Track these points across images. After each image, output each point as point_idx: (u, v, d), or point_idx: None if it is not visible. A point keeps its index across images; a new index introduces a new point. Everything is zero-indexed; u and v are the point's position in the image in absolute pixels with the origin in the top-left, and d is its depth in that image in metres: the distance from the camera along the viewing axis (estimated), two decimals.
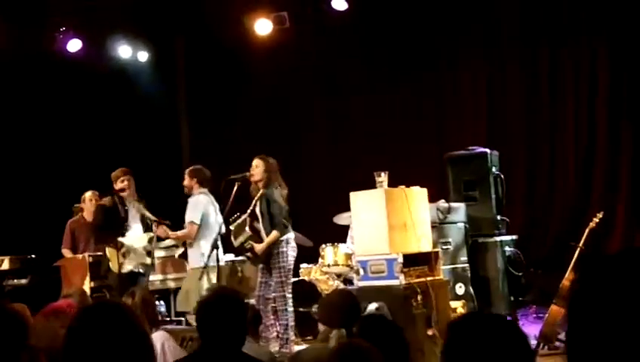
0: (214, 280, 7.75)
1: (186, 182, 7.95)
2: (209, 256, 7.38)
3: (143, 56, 11.98)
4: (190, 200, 7.85)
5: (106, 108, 11.71)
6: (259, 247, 7.22)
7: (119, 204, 7.85)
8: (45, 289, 7.79)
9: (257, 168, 7.37)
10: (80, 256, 8.41)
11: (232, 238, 7.32)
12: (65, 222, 8.77)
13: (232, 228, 7.30)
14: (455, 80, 10.97)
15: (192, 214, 7.76)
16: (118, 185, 7.85)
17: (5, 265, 8.34)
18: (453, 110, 10.98)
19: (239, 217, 7.33)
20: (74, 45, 10.86)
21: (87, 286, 8.01)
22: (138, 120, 12.00)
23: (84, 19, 10.65)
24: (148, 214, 7.79)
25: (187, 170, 8.05)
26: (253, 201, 7.41)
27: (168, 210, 8.31)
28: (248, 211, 7.40)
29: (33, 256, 8.66)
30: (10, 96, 10.75)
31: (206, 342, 3.29)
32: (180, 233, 7.91)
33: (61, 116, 11.27)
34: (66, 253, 8.60)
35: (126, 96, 11.93)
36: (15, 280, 8.37)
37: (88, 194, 8.63)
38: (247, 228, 7.27)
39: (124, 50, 11.68)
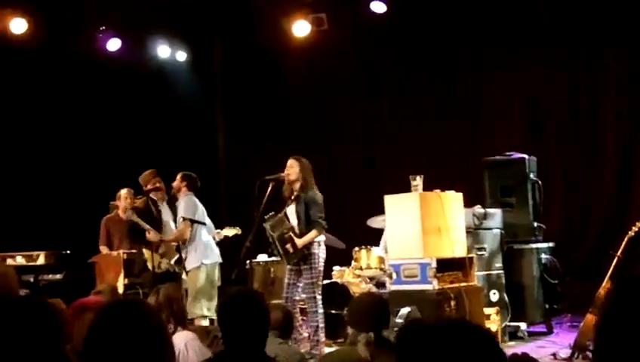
0: (217, 276, 7.80)
1: (176, 183, 7.98)
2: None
3: (182, 56, 12.07)
4: (183, 199, 7.87)
5: (143, 108, 11.80)
6: (299, 241, 7.17)
7: (152, 205, 7.91)
8: (79, 284, 7.85)
9: (292, 168, 7.35)
10: (114, 253, 8.48)
11: (270, 232, 7.26)
12: (100, 218, 8.86)
13: (266, 225, 7.28)
14: (493, 82, 10.86)
15: (187, 211, 7.77)
16: (149, 187, 7.92)
17: (41, 260, 8.44)
18: (490, 114, 10.86)
19: (275, 216, 7.32)
20: (113, 44, 10.96)
21: (120, 283, 8.08)
22: (175, 120, 12.09)
23: (124, 18, 10.74)
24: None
25: (181, 173, 8.05)
26: (289, 202, 7.39)
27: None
28: (283, 211, 7.38)
29: (68, 251, 8.75)
30: (50, 95, 10.89)
31: (228, 343, 3.26)
32: (172, 235, 7.92)
33: (99, 114, 11.39)
34: (103, 249, 8.68)
35: (164, 96, 12.02)
36: (50, 275, 8.47)
37: (123, 192, 8.70)
38: (287, 222, 7.24)
39: (162, 50, 11.78)
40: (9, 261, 8.18)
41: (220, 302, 3.51)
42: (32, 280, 8.32)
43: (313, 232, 7.18)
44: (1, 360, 2.11)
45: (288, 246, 7.19)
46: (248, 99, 12.61)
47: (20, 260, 8.38)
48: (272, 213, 7.34)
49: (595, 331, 1.85)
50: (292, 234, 7.17)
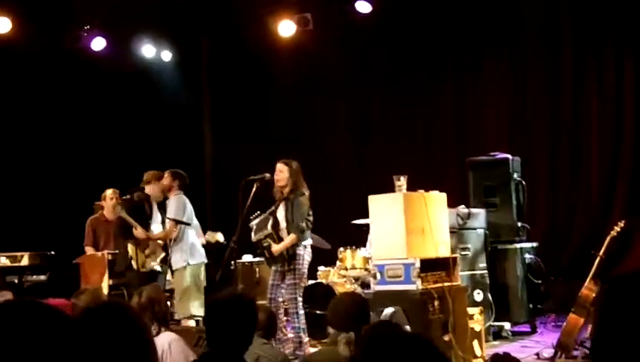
0: (202, 276, 7.81)
1: (166, 181, 7.94)
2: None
3: (167, 56, 12.05)
4: (173, 198, 7.86)
5: (128, 108, 11.77)
6: (276, 247, 7.20)
7: (146, 201, 7.92)
8: (64, 285, 7.83)
9: (282, 173, 7.35)
10: (99, 253, 8.46)
11: (252, 234, 7.31)
12: (85, 219, 8.83)
13: (252, 225, 7.30)
14: (477, 83, 10.90)
15: (177, 212, 7.77)
16: (143, 185, 7.94)
17: (25, 261, 8.40)
18: (475, 114, 10.91)
19: (259, 216, 7.33)
20: (98, 44, 10.93)
21: (105, 283, 8.06)
22: (160, 120, 12.06)
23: (109, 17, 10.71)
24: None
25: (170, 171, 8.02)
26: (276, 204, 7.39)
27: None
28: (269, 211, 7.39)
29: (52, 252, 8.72)
30: (33, 93, 10.84)
31: (212, 344, 3.26)
32: (159, 233, 7.92)
33: (84, 114, 11.35)
34: (89, 250, 8.66)
35: (149, 96, 11.99)
36: (34, 276, 8.43)
37: (109, 193, 8.68)
38: (268, 226, 7.26)
39: (147, 50, 11.76)
40: None
41: (209, 303, 3.50)
42: (16, 281, 8.28)
43: (290, 238, 7.21)
44: None
45: (265, 252, 7.25)
46: (235, 99, 12.61)
47: (4, 261, 8.34)
48: (258, 212, 7.35)
49: (593, 331, 1.88)
50: (269, 240, 7.21)
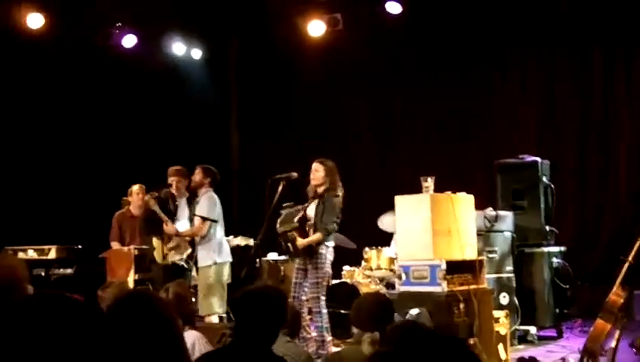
0: (227, 274, 7.81)
1: (198, 177, 7.94)
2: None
3: (197, 54, 12.09)
4: (205, 196, 7.86)
5: (157, 105, 11.83)
6: (300, 242, 7.17)
7: (171, 200, 7.95)
8: (90, 279, 7.87)
9: (317, 173, 7.32)
10: (126, 248, 8.51)
11: (277, 225, 7.28)
12: (112, 214, 8.88)
13: (282, 212, 7.28)
14: (506, 84, 10.82)
15: (208, 211, 7.77)
16: (170, 183, 7.98)
17: (52, 254, 8.45)
18: (503, 116, 10.82)
19: (292, 207, 7.31)
20: (129, 41, 11.00)
21: (131, 278, 8.10)
22: (188, 117, 12.11)
23: (140, 15, 10.77)
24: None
25: (202, 167, 8.01)
26: (309, 201, 7.37)
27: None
28: (302, 206, 7.36)
29: (79, 246, 8.77)
30: (63, 89, 10.94)
31: (238, 336, 3.25)
32: (189, 230, 7.92)
33: (113, 110, 11.43)
34: (115, 244, 8.71)
35: (177, 93, 12.05)
36: (61, 270, 8.47)
37: (135, 188, 8.72)
38: (295, 220, 7.24)
39: (178, 48, 11.81)
40: (20, 254, 8.20)
41: (240, 294, 3.48)
42: (43, 274, 8.33)
43: (316, 235, 7.18)
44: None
45: (289, 245, 7.21)
46: (262, 98, 12.62)
47: (31, 254, 8.41)
48: (292, 203, 7.34)
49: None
50: (294, 233, 7.17)
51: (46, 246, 8.49)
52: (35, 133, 10.72)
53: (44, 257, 8.45)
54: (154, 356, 2.30)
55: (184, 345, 2.53)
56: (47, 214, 10.28)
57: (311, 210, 7.33)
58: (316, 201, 7.32)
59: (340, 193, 7.36)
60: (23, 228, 9.60)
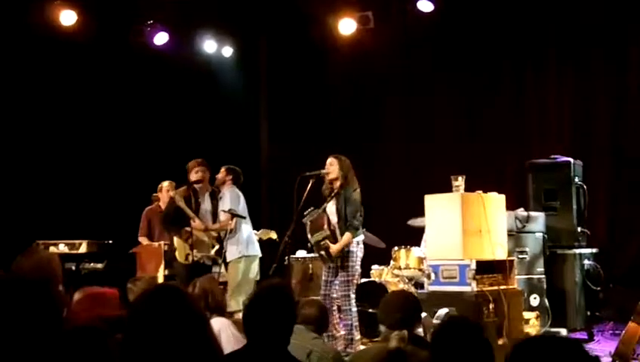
0: (256, 270, 7.81)
1: (221, 175, 8.01)
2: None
3: (228, 51, 12.12)
4: (228, 191, 7.91)
5: (188, 102, 11.88)
6: (334, 248, 7.16)
7: (193, 195, 7.96)
8: (120, 274, 7.93)
9: (332, 166, 7.33)
10: (155, 244, 8.55)
11: (308, 234, 7.29)
12: (142, 210, 8.94)
13: (306, 221, 7.28)
14: (539, 84, 10.69)
15: (232, 203, 7.80)
16: (192, 176, 7.96)
17: (83, 249, 8.53)
18: (536, 116, 10.70)
19: (314, 211, 7.31)
20: (160, 38, 11.07)
21: (160, 273, 8.14)
22: (218, 115, 12.14)
23: (172, 12, 10.83)
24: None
25: (226, 166, 8.08)
26: (328, 199, 7.37)
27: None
28: (322, 208, 7.37)
29: (110, 241, 8.84)
30: (95, 86, 11.03)
31: (251, 338, 3.21)
32: (216, 225, 7.94)
33: (145, 107, 11.50)
34: (143, 240, 8.76)
35: (208, 91, 12.09)
36: (91, 264, 8.55)
37: (165, 184, 8.77)
38: (325, 226, 7.23)
39: (209, 45, 11.85)
40: (52, 248, 8.29)
41: (247, 297, 3.43)
42: (73, 268, 8.42)
43: (346, 236, 7.16)
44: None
45: (323, 252, 7.21)
46: (292, 97, 12.61)
47: (62, 248, 8.50)
48: (312, 208, 7.33)
49: None
50: (328, 242, 7.17)
51: (77, 241, 8.57)
52: (68, 129, 10.82)
53: (75, 251, 8.53)
54: (180, 347, 2.30)
55: (213, 337, 2.53)
56: (79, 209, 10.37)
57: (330, 209, 7.32)
58: (334, 199, 7.31)
59: (358, 188, 7.34)
60: (55, 222, 9.70)
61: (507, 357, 2.16)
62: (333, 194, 7.35)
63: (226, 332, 4.56)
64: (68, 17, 10.13)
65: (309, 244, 7.55)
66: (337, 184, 7.33)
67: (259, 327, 3.16)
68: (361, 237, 7.37)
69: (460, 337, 3.15)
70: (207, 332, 2.42)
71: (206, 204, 8.06)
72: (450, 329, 3.24)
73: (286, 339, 3.21)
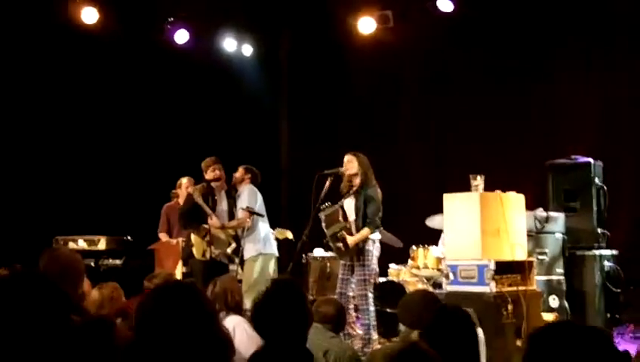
0: (273, 268, 7.81)
1: (239, 174, 8.03)
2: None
3: (248, 50, 12.14)
4: (246, 188, 7.92)
5: (208, 100, 11.91)
6: (351, 240, 7.15)
7: (210, 194, 7.97)
8: (138, 271, 7.96)
9: (351, 163, 7.33)
10: (174, 240, 8.58)
11: (324, 227, 7.28)
12: (161, 206, 8.97)
13: (321, 215, 7.27)
14: (561, 84, 10.61)
15: (250, 201, 7.82)
16: (209, 175, 7.96)
17: (102, 245, 8.58)
18: (557, 116, 10.61)
19: (330, 206, 7.30)
20: (181, 36, 11.10)
21: (179, 270, 8.16)
22: (238, 112, 12.16)
23: (193, 10, 10.85)
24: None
25: (244, 166, 8.11)
26: (346, 195, 7.35)
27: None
28: (339, 204, 7.35)
29: (129, 237, 8.87)
30: (116, 84, 11.08)
31: (264, 338, 3.19)
32: (234, 222, 7.94)
33: (165, 105, 11.54)
34: (163, 236, 8.80)
35: (228, 89, 12.11)
36: (110, 260, 8.59)
37: (184, 181, 8.80)
38: (340, 219, 7.23)
39: (229, 44, 11.87)
40: (71, 244, 8.34)
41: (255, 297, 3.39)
42: (92, 264, 8.46)
43: (365, 230, 7.14)
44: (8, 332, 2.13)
45: (340, 244, 7.18)
46: (312, 95, 12.60)
47: (81, 244, 8.55)
48: (329, 203, 7.32)
49: None
50: (344, 233, 7.15)
51: (96, 237, 8.62)
52: (89, 126, 10.89)
53: (94, 248, 8.58)
54: (189, 344, 2.29)
55: (223, 335, 2.51)
56: (98, 205, 10.43)
57: (348, 206, 7.31)
58: (352, 196, 7.29)
59: (377, 186, 7.32)
60: (74, 218, 9.77)
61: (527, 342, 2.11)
62: (352, 191, 7.33)
63: (240, 331, 4.56)
64: (90, 15, 10.18)
65: (325, 240, 7.52)
66: (357, 181, 7.31)
67: (269, 326, 3.14)
68: (377, 236, 7.35)
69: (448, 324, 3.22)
70: (216, 330, 2.41)
71: (222, 203, 8.07)
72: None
73: (302, 336, 3.19)
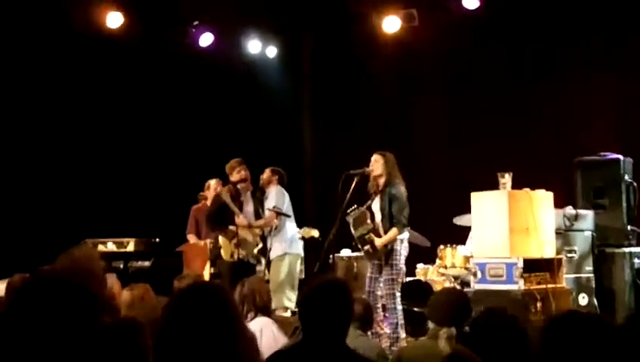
0: (299, 268, 7.82)
1: (266, 176, 8.12)
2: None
3: (272, 52, 12.16)
4: (274, 189, 7.97)
5: (232, 102, 11.96)
6: (379, 242, 7.14)
7: (236, 195, 8.02)
8: (167, 272, 8.00)
9: (377, 163, 7.32)
10: (202, 242, 8.62)
11: (352, 229, 7.28)
12: (189, 208, 9.02)
13: (349, 219, 7.28)
14: (587, 80, 10.50)
15: (277, 201, 7.87)
16: (235, 176, 8.01)
17: (130, 247, 8.63)
18: (585, 112, 10.51)
19: (357, 209, 7.30)
20: (206, 39, 11.15)
21: (207, 272, 8.21)
22: (263, 114, 12.19)
23: (217, 13, 10.90)
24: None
25: (271, 168, 8.19)
26: (373, 196, 7.36)
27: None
28: (366, 205, 7.35)
29: (157, 239, 8.93)
30: (142, 87, 11.16)
31: (307, 333, 3.21)
32: (261, 221, 7.97)
33: (191, 108, 11.61)
34: (191, 238, 8.85)
35: (252, 91, 12.14)
36: (139, 262, 8.63)
37: (213, 183, 8.85)
38: (368, 221, 7.23)
39: (253, 46, 11.90)
40: (100, 247, 8.41)
41: (303, 290, 3.44)
42: (121, 266, 8.51)
43: (393, 231, 7.13)
44: (37, 336, 2.14)
45: (368, 247, 7.18)
46: (336, 95, 12.60)
47: (110, 246, 8.61)
48: (355, 206, 7.32)
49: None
50: (372, 235, 7.14)
51: (125, 239, 8.67)
52: (117, 129, 10.98)
53: (123, 250, 8.64)
54: (211, 346, 2.30)
55: (247, 338, 2.52)
56: (127, 208, 10.52)
57: (375, 206, 7.30)
58: (379, 196, 7.29)
59: (403, 185, 7.31)
60: (104, 221, 9.85)
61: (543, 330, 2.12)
62: (377, 191, 7.33)
63: (268, 332, 4.58)
64: (114, 19, 10.26)
65: (353, 243, 7.54)
66: (382, 181, 7.31)
67: (315, 322, 3.16)
68: (405, 236, 7.34)
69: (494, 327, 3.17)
70: (241, 332, 2.42)
71: (249, 204, 8.12)
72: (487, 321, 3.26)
73: (343, 334, 3.21)
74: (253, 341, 2.57)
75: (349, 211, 7.27)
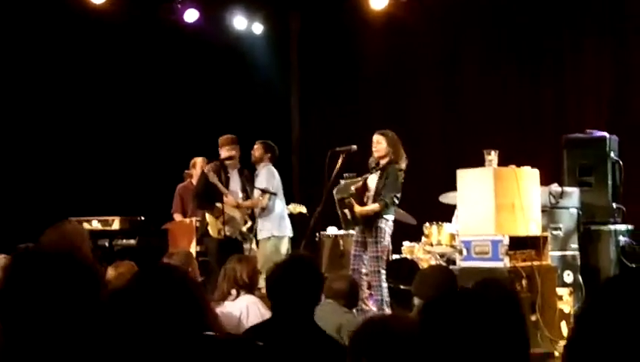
0: (286, 248, 7.80)
1: (258, 152, 8.05)
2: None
3: (258, 28, 12.07)
4: (264, 169, 7.93)
5: (219, 79, 11.88)
6: (358, 209, 7.09)
7: (223, 172, 7.97)
8: (152, 250, 7.98)
9: (380, 144, 7.25)
10: (188, 220, 8.59)
11: (334, 192, 7.24)
12: (174, 186, 8.98)
13: (341, 182, 7.26)
14: (577, 59, 10.49)
15: (267, 183, 7.83)
16: (224, 153, 7.97)
17: (115, 225, 8.59)
18: (573, 90, 10.50)
19: (353, 178, 7.27)
20: (191, 15, 11.06)
21: (193, 250, 8.18)
22: (250, 91, 12.13)
23: None
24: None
25: (262, 142, 8.10)
26: (372, 170, 7.30)
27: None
28: (364, 176, 7.30)
29: (142, 217, 8.89)
30: (126, 64, 11.07)
31: (275, 309, 3.20)
32: (248, 202, 7.95)
33: (176, 84, 11.53)
34: (177, 217, 8.82)
35: (238, 68, 12.08)
36: (124, 241, 8.61)
37: (199, 160, 8.80)
38: (352, 188, 7.18)
39: (239, 22, 11.81)
40: (85, 225, 8.36)
41: (271, 268, 3.43)
42: (106, 244, 8.48)
43: (375, 205, 7.10)
44: (41, 313, 2.11)
45: (346, 211, 7.13)
46: (323, 73, 12.54)
47: (95, 224, 8.56)
48: (354, 174, 7.30)
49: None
50: (352, 200, 7.09)
51: (110, 217, 8.63)
52: (100, 106, 10.90)
53: (108, 228, 8.60)
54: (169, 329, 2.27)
55: (210, 320, 2.49)
56: (111, 186, 10.47)
57: (372, 181, 7.27)
58: (378, 173, 7.25)
59: (404, 165, 7.27)
60: (88, 199, 9.80)
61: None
62: (378, 168, 7.27)
63: (254, 310, 4.57)
64: None
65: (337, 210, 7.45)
66: (385, 160, 7.25)
67: (283, 297, 3.15)
68: (391, 216, 7.31)
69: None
70: (202, 311, 2.38)
71: (235, 181, 8.08)
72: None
73: (311, 310, 3.20)
74: (218, 325, 2.55)
75: (345, 175, 7.25)
